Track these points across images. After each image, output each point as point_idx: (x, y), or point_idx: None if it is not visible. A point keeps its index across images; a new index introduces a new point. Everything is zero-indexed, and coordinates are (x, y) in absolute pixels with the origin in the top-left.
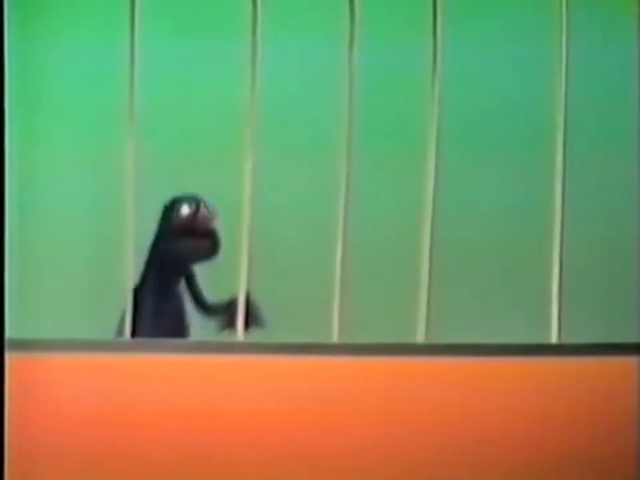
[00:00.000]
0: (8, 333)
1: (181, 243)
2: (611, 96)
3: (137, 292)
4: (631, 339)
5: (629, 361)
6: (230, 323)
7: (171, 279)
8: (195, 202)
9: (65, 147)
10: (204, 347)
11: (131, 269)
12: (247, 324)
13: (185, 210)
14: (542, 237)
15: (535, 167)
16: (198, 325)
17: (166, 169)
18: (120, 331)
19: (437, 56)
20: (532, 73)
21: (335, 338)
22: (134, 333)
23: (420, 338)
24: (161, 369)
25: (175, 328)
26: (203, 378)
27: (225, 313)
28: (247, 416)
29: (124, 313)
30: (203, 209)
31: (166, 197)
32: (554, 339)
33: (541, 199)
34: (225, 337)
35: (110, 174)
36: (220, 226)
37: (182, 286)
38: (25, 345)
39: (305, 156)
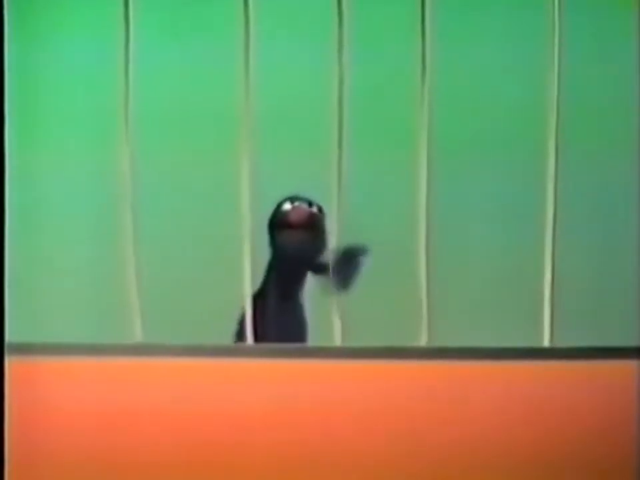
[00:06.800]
0: (8, 337)
1: (278, 237)
2: (608, 98)
3: (258, 296)
4: (629, 342)
5: (626, 364)
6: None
7: (290, 283)
8: (298, 199)
9: (65, 149)
10: (206, 351)
11: (133, 272)
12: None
13: (286, 206)
14: (534, 239)
15: (527, 171)
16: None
17: (164, 171)
18: (239, 336)
19: (426, 59)
20: (526, 76)
21: (337, 341)
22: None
23: (415, 342)
24: (163, 372)
25: (294, 335)
26: (205, 381)
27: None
28: (250, 419)
29: (242, 317)
30: (300, 205)
31: (166, 198)
32: (546, 342)
33: (533, 201)
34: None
35: (111, 176)
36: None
37: (304, 292)
38: (25, 349)
39: (297, 160)
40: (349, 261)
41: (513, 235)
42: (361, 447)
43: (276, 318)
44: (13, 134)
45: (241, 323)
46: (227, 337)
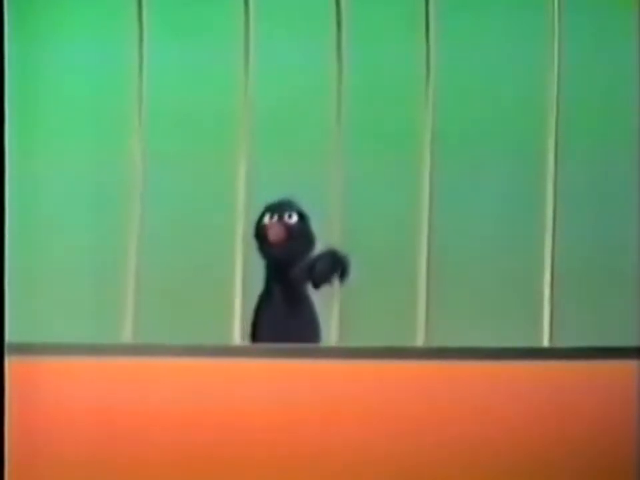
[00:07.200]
0: (8, 337)
1: (262, 249)
2: (608, 98)
3: (262, 298)
4: (629, 342)
5: (626, 364)
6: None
7: (291, 283)
8: (279, 211)
9: (67, 150)
10: (206, 351)
11: (134, 272)
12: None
13: (265, 219)
14: (534, 239)
15: (527, 170)
16: (330, 331)
17: (170, 172)
18: (253, 337)
19: (430, 60)
20: (525, 76)
21: (333, 341)
22: (260, 340)
23: (416, 342)
24: (162, 372)
25: (303, 334)
26: (206, 381)
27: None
28: (250, 420)
29: (255, 319)
30: (276, 221)
31: (170, 200)
32: (546, 342)
33: (532, 200)
34: (223, 340)
35: (113, 177)
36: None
37: (307, 291)
38: (25, 349)
39: (298, 161)
40: (329, 263)
41: (512, 234)
42: (360, 447)
43: (285, 320)
44: (14, 134)
45: (254, 325)
46: (224, 338)
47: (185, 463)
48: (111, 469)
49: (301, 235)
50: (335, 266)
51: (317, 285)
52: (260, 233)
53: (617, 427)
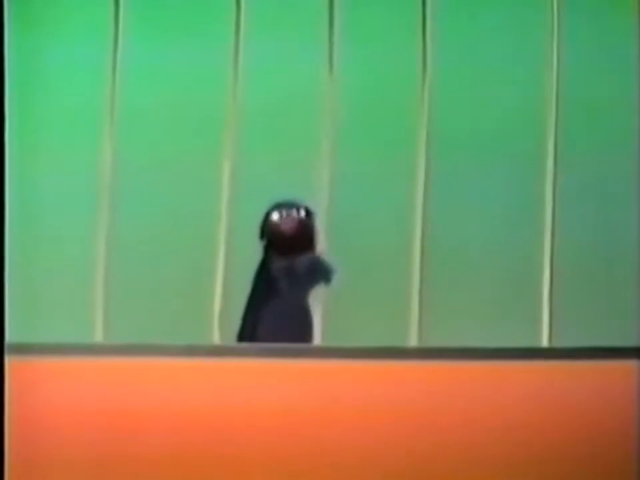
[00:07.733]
0: (8, 337)
1: (271, 247)
2: (608, 98)
3: (253, 295)
4: (629, 342)
5: (626, 364)
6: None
7: (284, 283)
8: (287, 209)
9: (65, 149)
10: (205, 351)
11: (106, 270)
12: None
13: (275, 217)
14: (533, 239)
15: (526, 170)
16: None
17: (150, 174)
18: (241, 338)
19: (427, 60)
20: (526, 76)
21: (325, 341)
22: (255, 339)
23: (411, 342)
24: (160, 372)
25: (295, 332)
26: (204, 381)
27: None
28: (247, 419)
29: (244, 317)
30: (288, 214)
31: (156, 199)
32: (545, 342)
33: (532, 200)
34: (218, 340)
35: (92, 178)
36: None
37: (305, 293)
38: (25, 349)
39: (289, 161)
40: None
41: (511, 234)
42: (358, 446)
43: (275, 319)
44: (14, 135)
45: (243, 323)
46: (223, 337)
47: (186, 462)
48: (111, 468)
49: (311, 230)
50: (317, 275)
51: (298, 290)
52: (269, 230)
53: (617, 427)
